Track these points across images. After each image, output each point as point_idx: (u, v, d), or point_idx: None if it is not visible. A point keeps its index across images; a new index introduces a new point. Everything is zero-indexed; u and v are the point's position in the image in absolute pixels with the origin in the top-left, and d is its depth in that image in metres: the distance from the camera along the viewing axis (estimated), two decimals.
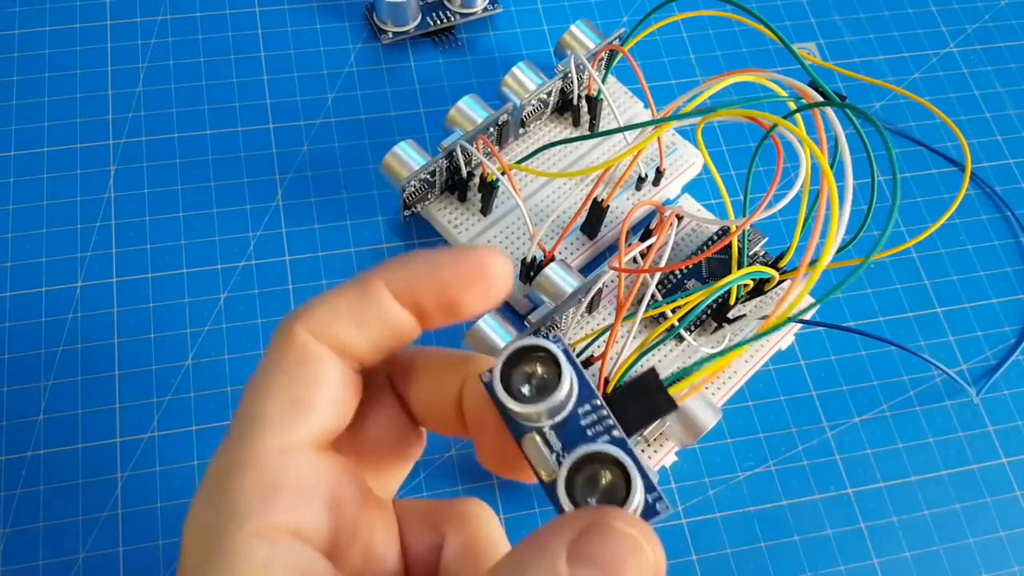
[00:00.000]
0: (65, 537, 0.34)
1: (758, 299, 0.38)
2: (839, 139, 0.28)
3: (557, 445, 0.18)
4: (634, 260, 0.38)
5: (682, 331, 0.35)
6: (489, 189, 0.39)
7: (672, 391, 0.21)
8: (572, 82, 0.40)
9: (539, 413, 0.17)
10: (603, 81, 0.42)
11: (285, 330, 0.18)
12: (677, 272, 0.38)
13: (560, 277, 0.35)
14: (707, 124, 0.40)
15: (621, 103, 0.43)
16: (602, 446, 0.17)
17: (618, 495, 0.17)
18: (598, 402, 0.18)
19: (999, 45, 0.48)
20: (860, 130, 0.33)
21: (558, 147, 0.41)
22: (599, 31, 0.41)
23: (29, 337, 0.37)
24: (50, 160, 0.41)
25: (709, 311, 0.37)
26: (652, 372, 0.19)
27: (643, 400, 0.20)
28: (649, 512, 0.17)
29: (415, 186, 0.38)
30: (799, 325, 0.38)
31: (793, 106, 0.31)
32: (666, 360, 0.37)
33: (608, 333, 0.35)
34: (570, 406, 0.18)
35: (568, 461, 0.17)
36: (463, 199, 0.40)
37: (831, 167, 0.28)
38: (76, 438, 0.35)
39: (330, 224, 0.41)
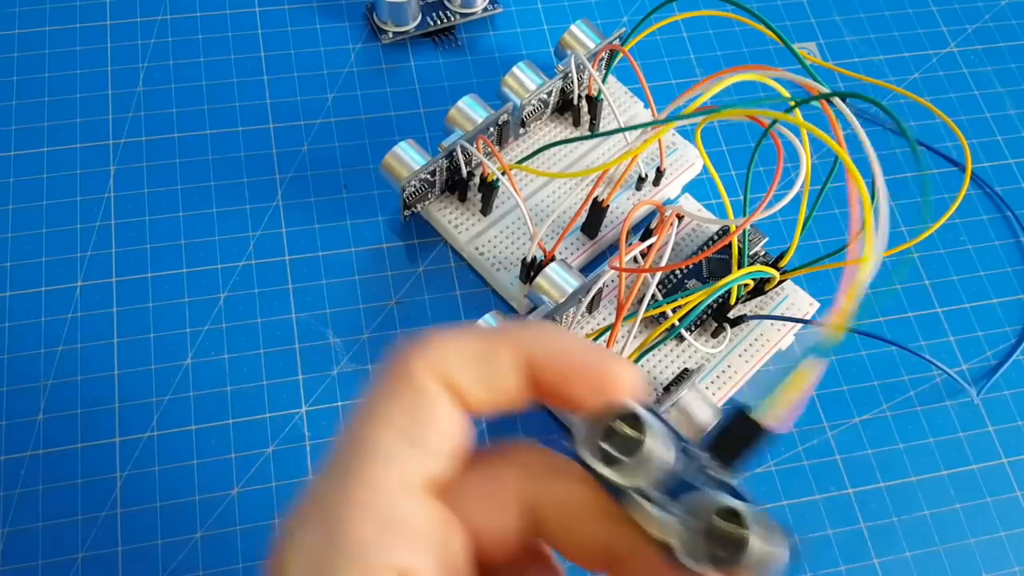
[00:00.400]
0: (64, 537, 0.34)
1: (758, 299, 0.38)
2: (855, 128, 0.28)
3: (664, 501, 0.17)
4: (634, 260, 0.38)
5: (683, 331, 0.35)
6: (489, 189, 0.39)
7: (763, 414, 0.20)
8: (572, 82, 0.40)
9: (639, 473, 0.17)
10: (603, 81, 0.42)
11: (403, 363, 0.17)
12: (677, 272, 0.38)
13: (560, 277, 0.35)
14: (707, 124, 0.40)
15: (621, 103, 0.43)
16: (720, 496, 0.16)
17: (739, 544, 0.16)
18: (693, 448, 0.18)
19: (999, 45, 0.48)
20: (860, 129, 0.33)
21: (558, 147, 0.41)
22: (599, 31, 0.41)
23: (29, 337, 0.37)
24: (50, 160, 0.41)
25: (709, 311, 0.37)
26: (740, 412, 0.18)
27: (735, 437, 0.19)
28: (794, 555, 0.16)
29: (415, 186, 0.38)
30: (799, 325, 0.38)
31: (792, 101, 0.31)
32: (666, 360, 0.37)
33: (608, 333, 0.35)
34: (671, 460, 0.17)
35: (684, 516, 0.16)
36: (463, 199, 0.40)
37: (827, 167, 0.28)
38: (75, 438, 0.35)
39: (330, 224, 0.41)
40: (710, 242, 0.40)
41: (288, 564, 0.16)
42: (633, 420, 0.17)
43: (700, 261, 0.39)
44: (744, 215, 0.38)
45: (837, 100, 0.29)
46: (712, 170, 0.35)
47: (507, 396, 0.18)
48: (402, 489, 0.17)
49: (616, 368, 0.18)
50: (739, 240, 0.37)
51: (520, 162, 0.40)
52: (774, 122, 0.30)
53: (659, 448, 0.17)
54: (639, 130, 0.43)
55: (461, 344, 0.18)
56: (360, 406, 0.17)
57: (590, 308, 0.37)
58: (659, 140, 0.40)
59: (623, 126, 0.40)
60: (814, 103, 0.29)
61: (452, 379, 0.17)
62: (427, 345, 0.17)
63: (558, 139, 0.42)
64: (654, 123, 0.31)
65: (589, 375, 0.18)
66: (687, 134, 0.43)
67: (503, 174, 0.38)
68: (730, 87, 0.32)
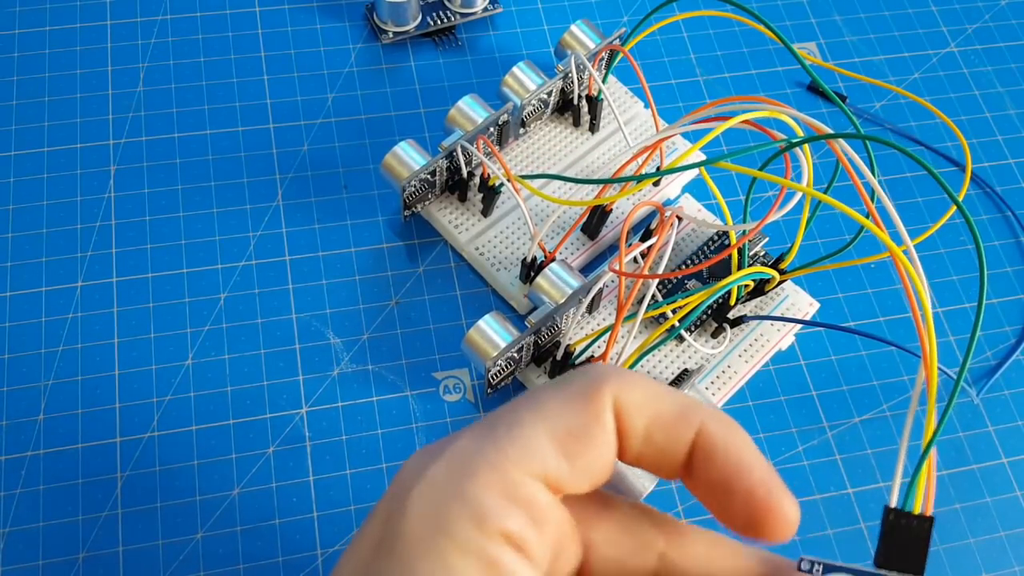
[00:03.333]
0: (65, 537, 0.34)
1: (758, 299, 0.38)
2: (865, 173, 0.28)
3: None
4: (635, 260, 0.38)
5: (683, 331, 0.35)
6: (491, 192, 0.39)
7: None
8: (572, 82, 0.40)
9: None
10: (603, 81, 0.42)
11: (596, 387, 0.18)
12: None
13: (560, 277, 0.35)
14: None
15: (621, 103, 0.43)
16: None
17: None
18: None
19: (999, 45, 0.48)
20: (860, 129, 0.33)
21: (558, 147, 0.42)
22: (599, 31, 0.41)
23: (29, 337, 0.37)
24: (50, 160, 0.41)
25: (709, 311, 0.37)
26: (896, 514, 0.20)
27: (905, 540, 0.20)
28: None
29: (415, 186, 0.38)
30: (799, 325, 0.38)
31: (801, 132, 0.31)
32: (666, 360, 0.37)
33: (608, 334, 0.35)
34: None
35: None
36: (463, 199, 0.40)
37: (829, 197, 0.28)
38: (76, 438, 0.35)
39: (330, 224, 0.41)
40: (710, 243, 0.40)
41: (412, 491, 0.17)
42: None
43: (699, 261, 0.39)
44: (744, 218, 0.38)
45: (841, 141, 0.28)
46: (717, 193, 0.35)
47: (667, 466, 0.19)
48: (537, 478, 0.18)
49: (784, 504, 0.18)
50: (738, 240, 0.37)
51: (523, 178, 0.39)
52: (790, 146, 0.30)
53: None
54: (638, 132, 0.43)
55: (658, 403, 0.19)
56: (536, 397, 0.19)
57: (590, 308, 0.37)
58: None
59: (626, 132, 0.40)
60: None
61: (628, 425, 0.18)
62: (626, 383, 0.19)
63: (558, 140, 0.42)
64: (691, 166, 0.31)
65: (756, 498, 0.18)
66: (687, 134, 0.43)
67: (508, 180, 0.37)
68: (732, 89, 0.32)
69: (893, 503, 0.20)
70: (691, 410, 0.19)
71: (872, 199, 0.29)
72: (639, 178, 0.33)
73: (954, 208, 0.42)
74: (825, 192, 0.35)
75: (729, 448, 0.19)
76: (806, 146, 0.31)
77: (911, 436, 0.39)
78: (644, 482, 0.32)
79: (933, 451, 0.20)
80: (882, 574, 0.19)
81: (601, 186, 0.37)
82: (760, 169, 0.34)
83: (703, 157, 0.42)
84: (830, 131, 0.28)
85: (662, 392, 0.19)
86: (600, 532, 0.20)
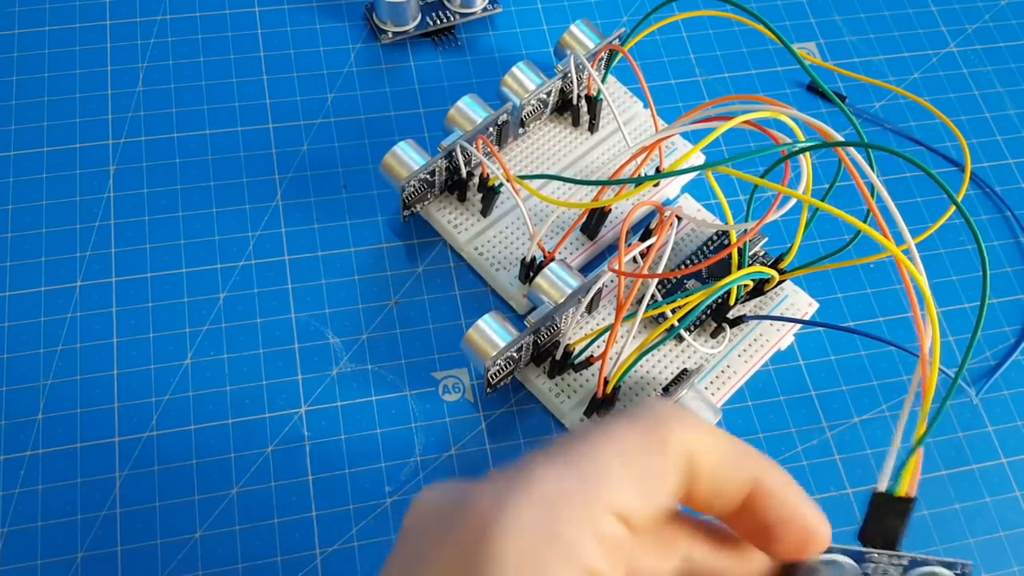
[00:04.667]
0: (63, 536, 0.34)
1: (758, 299, 0.38)
2: (873, 182, 0.28)
3: None
4: (634, 260, 0.38)
5: (682, 331, 0.35)
6: (491, 193, 0.39)
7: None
8: (572, 82, 0.40)
9: None
10: (603, 81, 0.42)
11: (670, 429, 0.19)
12: None
13: (560, 277, 0.35)
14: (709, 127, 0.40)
15: (621, 103, 0.43)
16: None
17: None
18: (874, 554, 0.22)
19: (999, 45, 0.48)
20: (860, 130, 0.33)
21: (557, 147, 0.42)
22: (599, 31, 0.41)
23: (29, 337, 0.37)
24: (49, 160, 0.41)
25: (709, 311, 0.37)
26: (882, 496, 0.23)
27: (887, 520, 0.23)
28: None
29: (415, 186, 0.38)
30: (798, 325, 0.38)
31: (801, 132, 0.31)
32: (665, 360, 0.37)
33: (608, 333, 0.35)
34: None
35: None
36: (463, 199, 0.40)
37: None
38: (75, 437, 0.35)
39: (330, 224, 0.41)
40: (710, 243, 0.40)
41: (502, 541, 0.17)
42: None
43: (699, 261, 0.39)
44: (746, 217, 0.38)
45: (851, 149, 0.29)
46: (722, 198, 0.35)
47: (720, 505, 0.20)
48: (616, 513, 0.18)
49: (821, 527, 0.20)
50: (738, 239, 0.37)
51: (522, 178, 0.39)
52: (793, 153, 0.30)
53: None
54: (638, 133, 0.43)
55: (724, 450, 0.20)
56: (613, 435, 0.20)
57: (589, 308, 0.37)
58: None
59: (625, 132, 0.40)
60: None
61: (698, 470, 0.20)
62: (698, 429, 0.20)
63: (557, 140, 0.42)
64: (693, 169, 0.31)
65: (798, 528, 0.20)
66: (687, 134, 0.43)
67: (507, 180, 0.37)
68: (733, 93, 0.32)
69: (882, 488, 0.23)
70: (751, 459, 0.20)
71: (872, 194, 0.29)
72: (638, 180, 0.33)
73: (953, 208, 0.42)
74: (827, 193, 0.35)
75: (787, 501, 0.20)
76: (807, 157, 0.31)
77: (907, 435, 0.39)
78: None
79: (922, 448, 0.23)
80: (867, 550, 0.22)
81: (600, 187, 0.37)
82: (763, 174, 0.34)
83: (703, 159, 0.42)
84: (837, 136, 0.29)
85: (726, 440, 0.20)
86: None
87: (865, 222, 0.28)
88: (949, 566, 0.22)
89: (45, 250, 0.39)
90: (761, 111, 0.30)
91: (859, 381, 0.39)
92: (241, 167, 0.42)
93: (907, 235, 0.26)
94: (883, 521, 0.23)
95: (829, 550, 0.22)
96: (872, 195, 0.29)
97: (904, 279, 0.25)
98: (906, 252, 0.25)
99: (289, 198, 0.41)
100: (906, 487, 0.24)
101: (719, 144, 0.44)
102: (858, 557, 0.22)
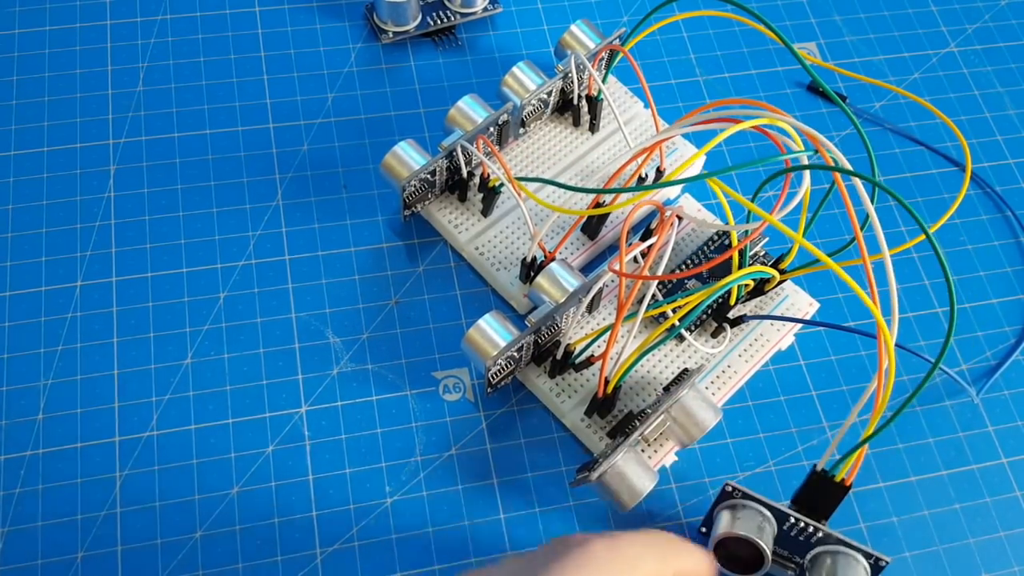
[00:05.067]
0: (64, 536, 0.34)
1: (758, 299, 0.38)
2: (867, 209, 0.29)
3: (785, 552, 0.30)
4: (635, 260, 0.38)
5: (683, 331, 0.35)
6: (491, 192, 0.39)
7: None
8: (572, 82, 0.40)
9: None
10: (603, 81, 0.42)
11: (674, 551, 0.27)
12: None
13: (561, 277, 0.35)
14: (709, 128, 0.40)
15: (621, 103, 0.43)
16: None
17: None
18: (797, 521, 0.29)
19: (999, 45, 0.48)
20: (861, 130, 0.33)
21: (558, 147, 0.41)
22: (599, 31, 0.41)
23: (29, 337, 0.37)
24: (50, 160, 0.41)
25: (709, 311, 0.37)
26: (822, 475, 0.29)
27: (819, 495, 0.28)
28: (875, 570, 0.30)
29: (415, 186, 0.38)
30: (799, 325, 0.38)
31: (799, 140, 0.31)
32: (666, 360, 0.37)
33: (609, 333, 0.35)
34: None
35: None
36: (463, 199, 0.40)
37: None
38: (75, 437, 0.35)
39: (330, 224, 0.41)
40: (710, 242, 0.40)
41: None
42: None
43: (699, 260, 0.39)
44: (748, 218, 0.38)
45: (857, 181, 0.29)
46: (720, 195, 0.35)
47: None
48: None
49: None
50: (740, 241, 0.37)
51: (521, 180, 0.39)
52: (793, 168, 0.30)
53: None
54: (636, 132, 0.43)
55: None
56: (633, 546, 0.25)
57: (590, 308, 0.37)
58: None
59: (625, 132, 0.40)
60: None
61: None
62: (686, 552, 0.27)
63: (557, 140, 0.42)
64: (656, 186, 0.31)
65: None
66: (687, 135, 0.43)
67: (508, 181, 0.37)
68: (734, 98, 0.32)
69: (821, 466, 0.28)
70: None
71: (872, 198, 0.29)
72: (636, 189, 0.33)
73: (953, 208, 0.42)
74: (824, 199, 0.35)
75: None
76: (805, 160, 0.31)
77: (907, 435, 0.39)
78: (645, 482, 0.32)
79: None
80: (791, 513, 0.27)
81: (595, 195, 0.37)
82: (765, 181, 0.34)
83: (704, 160, 0.42)
84: (834, 150, 0.29)
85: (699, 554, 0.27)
86: None
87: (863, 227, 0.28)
88: (867, 556, 0.27)
89: (45, 250, 0.39)
90: (761, 118, 0.30)
91: (859, 381, 0.39)
92: (241, 167, 0.42)
93: (885, 252, 0.29)
94: (817, 497, 0.27)
95: (754, 498, 0.29)
96: (872, 197, 0.29)
97: (867, 300, 0.30)
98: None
99: (289, 198, 0.41)
100: (843, 473, 0.29)
101: (719, 146, 0.44)
102: (781, 517, 0.27)
